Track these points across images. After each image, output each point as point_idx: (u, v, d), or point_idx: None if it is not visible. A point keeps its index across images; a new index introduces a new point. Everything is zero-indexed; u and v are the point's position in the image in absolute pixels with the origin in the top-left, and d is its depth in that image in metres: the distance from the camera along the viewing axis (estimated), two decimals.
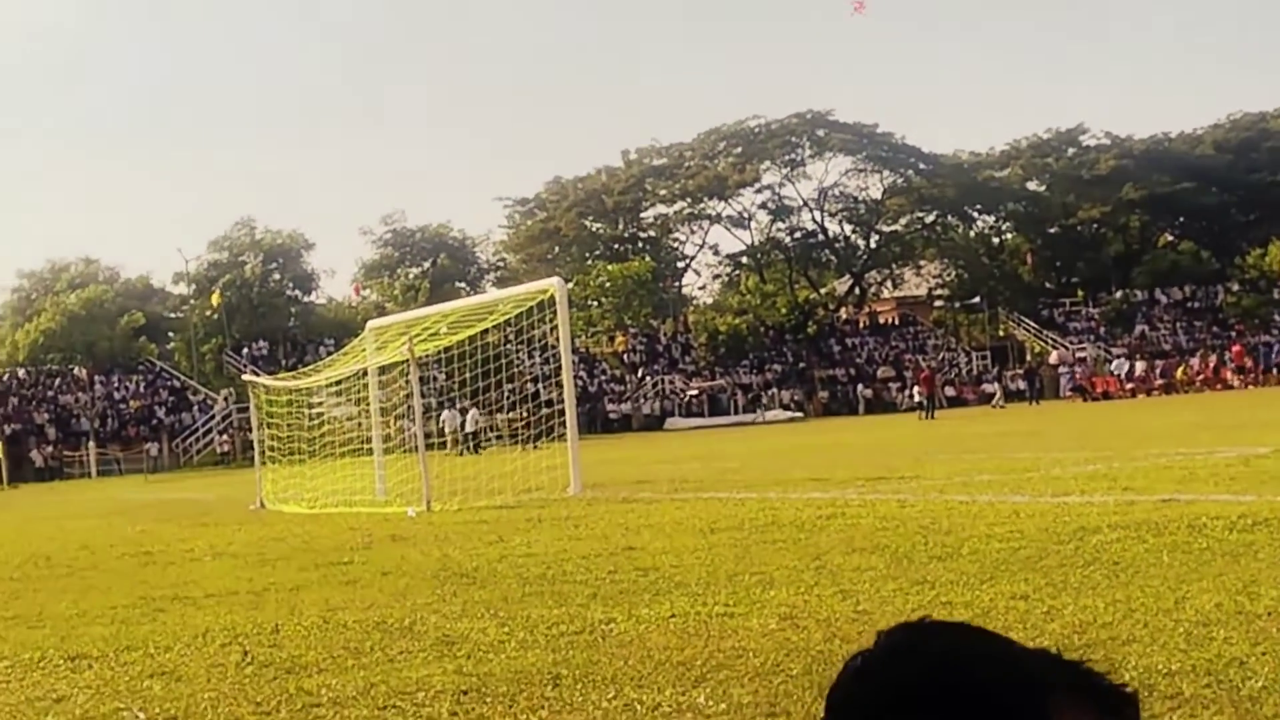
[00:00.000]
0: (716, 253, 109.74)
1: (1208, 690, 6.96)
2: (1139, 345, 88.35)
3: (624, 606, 11.10)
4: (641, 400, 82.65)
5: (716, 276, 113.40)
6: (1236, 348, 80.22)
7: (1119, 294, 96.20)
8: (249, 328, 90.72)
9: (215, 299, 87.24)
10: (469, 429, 40.04)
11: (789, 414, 79.15)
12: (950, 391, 78.90)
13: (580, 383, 74.83)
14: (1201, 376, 75.26)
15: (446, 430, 47.01)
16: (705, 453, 40.41)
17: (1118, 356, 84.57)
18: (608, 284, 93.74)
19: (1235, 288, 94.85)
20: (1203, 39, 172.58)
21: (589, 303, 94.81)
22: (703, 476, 28.49)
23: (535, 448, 32.32)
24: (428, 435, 31.58)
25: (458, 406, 46.55)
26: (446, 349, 31.11)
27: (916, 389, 68.72)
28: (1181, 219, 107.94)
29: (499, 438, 37.33)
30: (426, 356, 31.37)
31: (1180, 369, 77.15)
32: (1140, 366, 79.71)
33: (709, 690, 7.84)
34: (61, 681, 9.58)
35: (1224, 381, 74.21)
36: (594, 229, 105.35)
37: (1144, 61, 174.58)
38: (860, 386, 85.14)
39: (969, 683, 1.59)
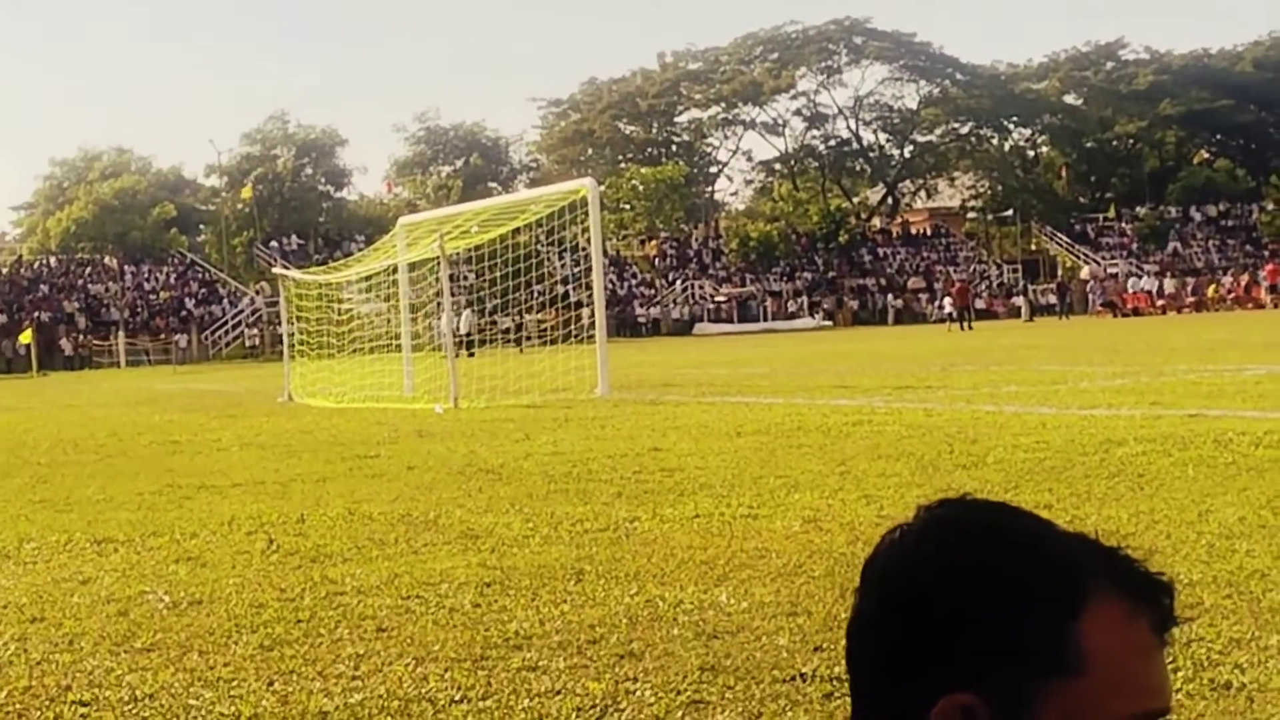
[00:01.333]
0: (750, 159, 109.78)
1: (1228, 601, 6.97)
2: (1171, 262, 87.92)
3: (649, 506, 11.15)
4: (671, 305, 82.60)
5: (749, 183, 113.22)
6: (1270, 266, 79.71)
7: (1153, 210, 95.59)
8: (280, 222, 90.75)
9: (247, 192, 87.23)
10: (463, 330, 39.74)
11: (818, 322, 79.06)
12: (980, 304, 78.60)
13: (610, 285, 74.79)
14: (1233, 295, 74.84)
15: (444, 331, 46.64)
16: (733, 358, 40.42)
17: (1148, 273, 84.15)
18: (640, 187, 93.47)
19: (1270, 206, 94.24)
20: None
21: (621, 206, 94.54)
22: (730, 381, 28.51)
23: (520, 351, 32.43)
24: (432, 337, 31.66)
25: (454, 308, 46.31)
26: (477, 247, 31.09)
27: (948, 300, 68.67)
28: (1218, 136, 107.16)
29: (528, 338, 37.30)
30: (457, 254, 31.38)
31: (1212, 286, 76.73)
32: (1170, 284, 79.31)
33: (731, 589, 7.87)
34: (88, 564, 9.67)
35: (1255, 300, 73.80)
36: (627, 132, 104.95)
37: None
38: (890, 296, 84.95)
39: (1009, 559, 1.58)
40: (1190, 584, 7.34)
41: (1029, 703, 1.54)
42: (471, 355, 34.16)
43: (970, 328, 61.14)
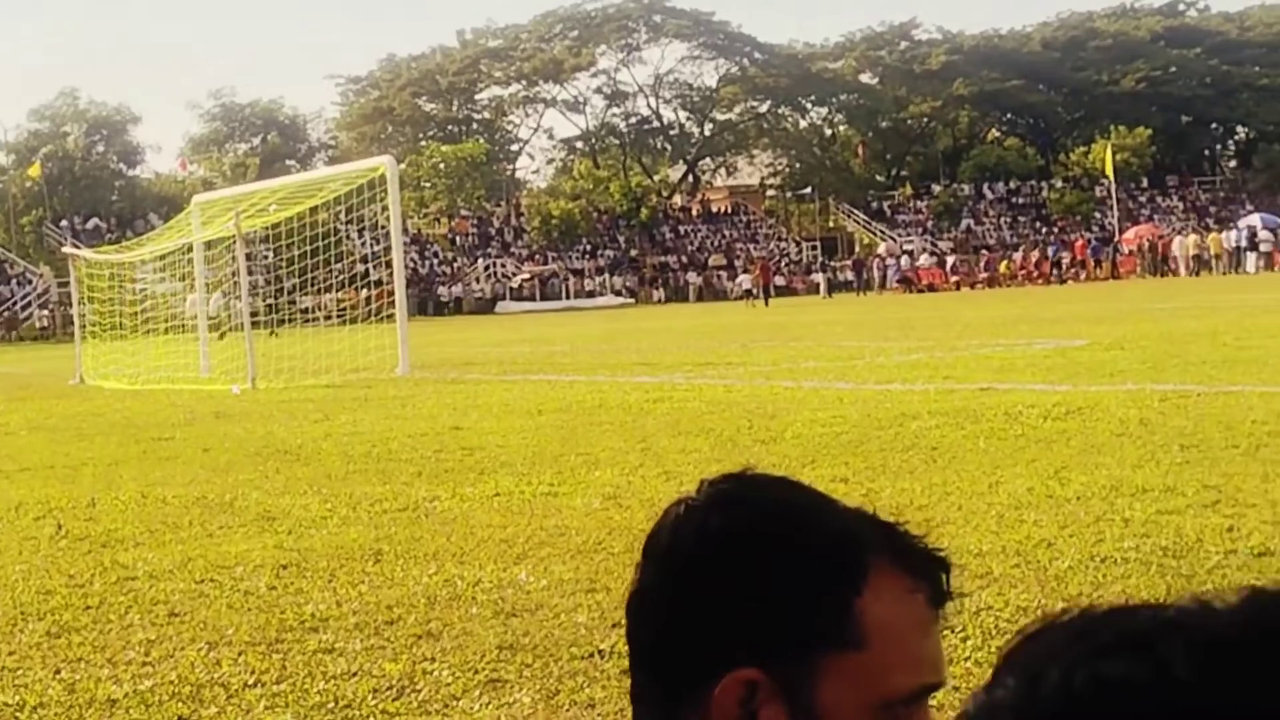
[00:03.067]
0: (551, 137, 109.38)
1: (1016, 570, 7.13)
2: (965, 239, 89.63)
3: (448, 485, 11.10)
4: (473, 283, 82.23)
5: (550, 161, 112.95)
6: (1079, 243, 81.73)
7: (947, 188, 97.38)
8: (71, 200, 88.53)
9: (35, 170, 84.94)
10: (212, 313, 38.75)
11: (620, 299, 79.27)
12: (780, 281, 79.36)
13: (411, 264, 74.19)
14: (1024, 271, 76.51)
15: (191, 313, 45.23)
16: (535, 336, 40.40)
17: (942, 250, 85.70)
18: (441, 165, 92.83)
19: (1059, 184, 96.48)
20: None
21: (421, 184, 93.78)
22: (532, 359, 28.49)
23: (274, 334, 32.09)
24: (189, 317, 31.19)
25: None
26: (274, 226, 30.66)
27: (747, 277, 69.36)
28: (1009, 115, 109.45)
29: (327, 317, 36.86)
30: (253, 233, 30.90)
31: (1004, 263, 78.36)
32: (964, 260, 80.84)
33: (530, 566, 7.87)
34: None
35: (1045, 276, 75.53)
36: (428, 109, 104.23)
37: None
38: (691, 274, 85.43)
39: (792, 534, 1.59)
40: (980, 554, 7.49)
41: (811, 677, 1.54)
42: (222, 338, 33.39)
43: (767, 304, 62.12)
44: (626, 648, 1.70)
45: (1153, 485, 9.15)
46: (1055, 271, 75.96)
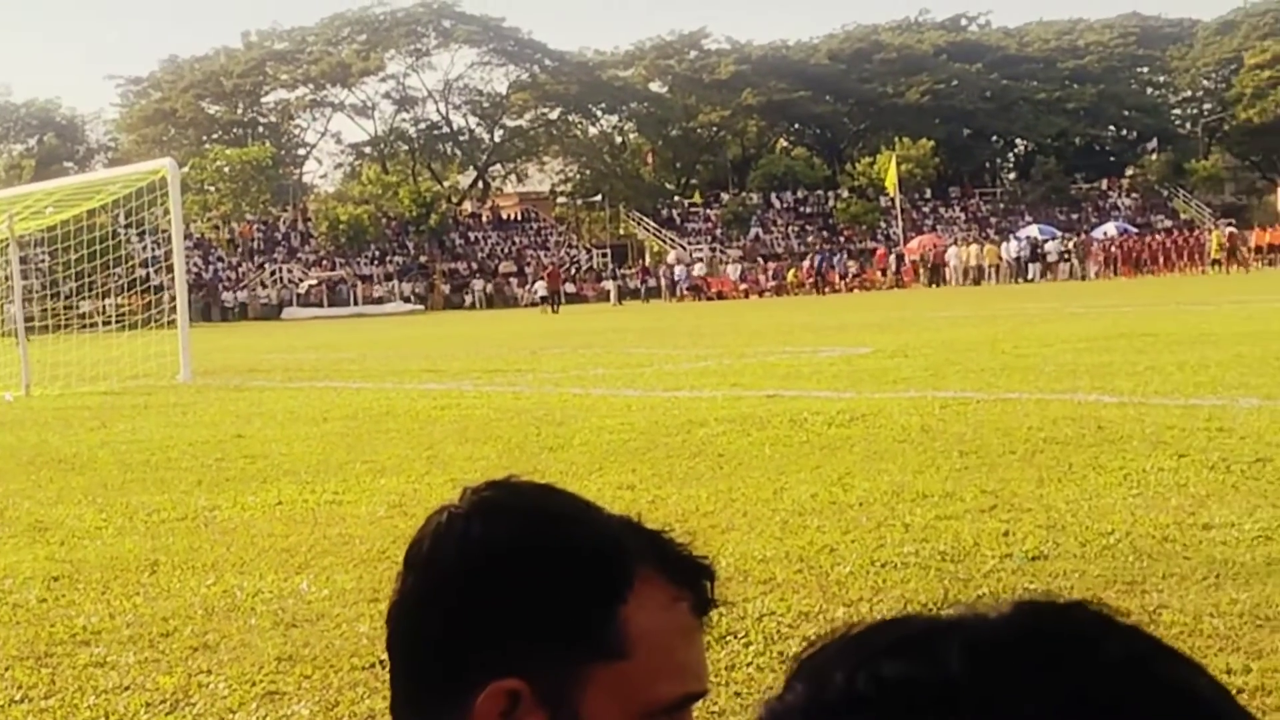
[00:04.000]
0: (339, 141, 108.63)
1: (799, 575, 7.18)
2: (753, 247, 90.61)
3: (229, 493, 10.90)
4: (258, 289, 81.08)
5: (338, 165, 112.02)
6: (880, 251, 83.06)
7: (736, 196, 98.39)
8: None
9: None
10: None
11: (409, 306, 78.76)
12: (570, 288, 79.54)
13: (194, 269, 73.05)
14: (811, 279, 77.56)
15: None
16: (322, 342, 39.94)
17: (731, 258, 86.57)
18: (225, 169, 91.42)
19: (845, 194, 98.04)
20: None
21: (205, 187, 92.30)
22: (319, 366, 28.14)
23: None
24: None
25: None
26: (51, 229, 29.91)
27: (541, 284, 69.54)
28: (797, 125, 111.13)
29: (106, 323, 36.06)
30: (28, 236, 30.10)
31: (791, 271, 79.36)
32: (752, 268, 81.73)
33: (312, 576, 7.75)
34: None
35: (831, 284, 76.65)
36: (212, 112, 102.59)
37: None
38: (481, 280, 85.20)
39: (555, 542, 1.56)
40: (763, 560, 7.54)
41: (575, 686, 1.52)
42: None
43: (557, 311, 62.31)
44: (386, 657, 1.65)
45: (933, 491, 9.29)
46: (841, 280, 77.18)
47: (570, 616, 1.53)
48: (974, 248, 78.53)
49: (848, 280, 77.59)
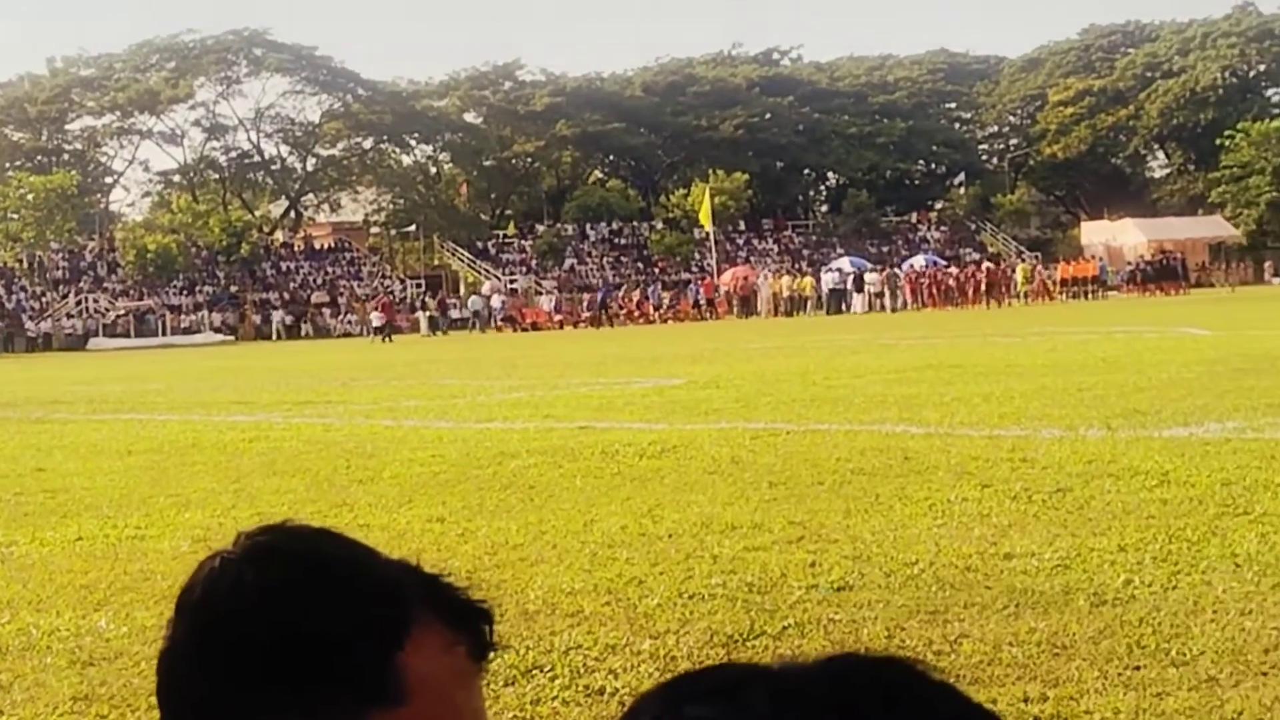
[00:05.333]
0: (147, 169, 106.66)
1: (607, 608, 7.17)
2: (568, 278, 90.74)
3: (28, 529, 10.64)
4: (63, 319, 79.37)
5: (146, 194, 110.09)
6: (707, 282, 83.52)
7: (551, 227, 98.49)
8: None
9: None
10: None
11: (220, 337, 77.64)
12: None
13: None
14: (625, 310, 77.88)
15: None
16: (129, 373, 39.18)
17: (546, 289, 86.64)
18: (29, 196, 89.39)
19: (659, 226, 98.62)
20: None
21: (9, 215, 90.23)
22: (124, 397, 27.58)
23: None
24: None
25: None
26: None
27: (376, 314, 69.89)
28: (611, 157, 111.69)
29: None
30: None
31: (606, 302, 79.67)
32: (567, 299, 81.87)
33: (111, 614, 7.58)
34: None
35: (646, 315, 77.03)
36: (15, 139, 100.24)
37: (580, 2, 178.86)
38: (294, 311, 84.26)
39: (332, 587, 1.53)
40: (572, 592, 7.52)
41: None
42: None
43: (379, 340, 62.99)
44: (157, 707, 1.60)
45: (741, 522, 9.34)
46: (656, 311, 77.58)
47: (346, 663, 1.50)
48: (786, 279, 79.44)
49: (661, 311, 78.03)
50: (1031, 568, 7.51)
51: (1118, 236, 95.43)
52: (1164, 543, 7.93)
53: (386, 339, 64.68)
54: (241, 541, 1.59)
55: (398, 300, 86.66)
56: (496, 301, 78.97)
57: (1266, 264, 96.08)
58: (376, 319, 69.01)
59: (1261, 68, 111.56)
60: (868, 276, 77.48)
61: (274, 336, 78.53)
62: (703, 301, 79.66)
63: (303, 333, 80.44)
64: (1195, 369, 20.42)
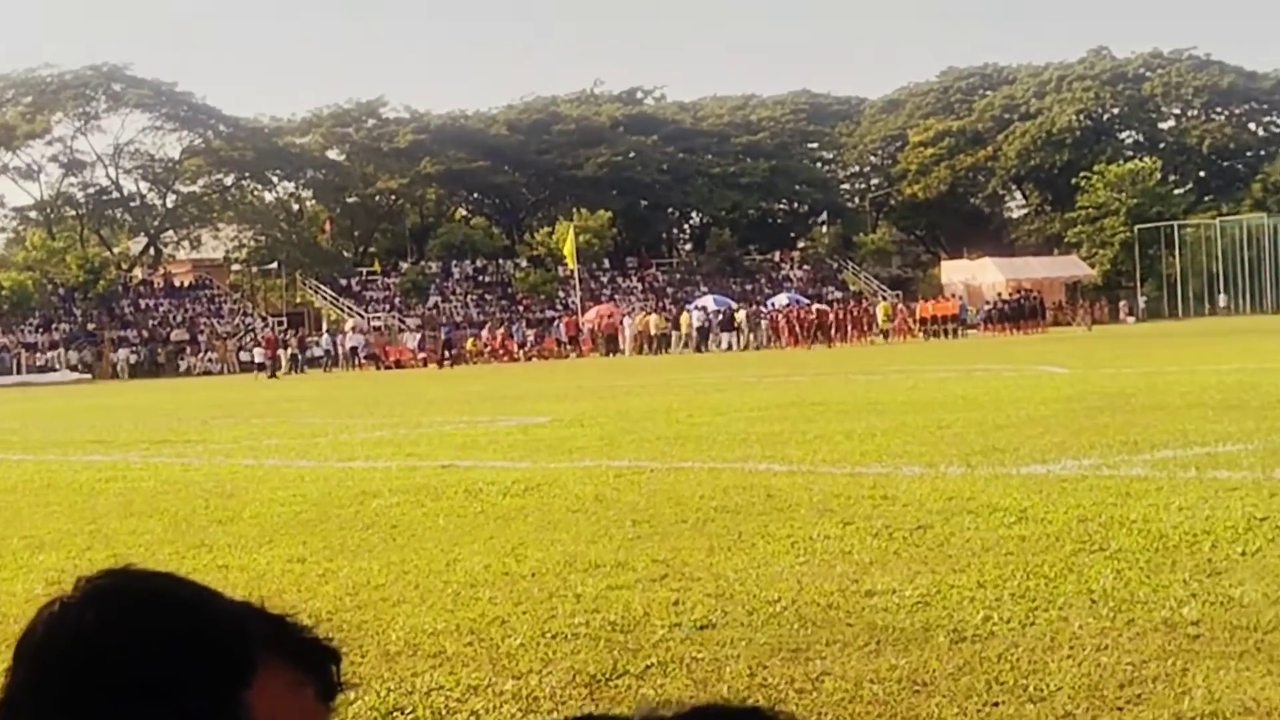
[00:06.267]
0: (2, 205, 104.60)
1: (469, 648, 7.11)
2: (432, 316, 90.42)
3: None
4: None
5: (1, 230, 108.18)
6: (569, 319, 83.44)
7: (415, 265, 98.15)
8: None
9: None
10: None
11: (76, 375, 76.39)
12: (245, 356, 78.34)
13: None
14: (489, 348, 77.70)
15: None
16: None
17: (410, 327, 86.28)
18: None
19: (524, 264, 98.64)
20: (499, 25, 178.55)
21: None
22: None
23: None
24: None
25: None
26: None
27: (259, 350, 69.94)
28: (476, 195, 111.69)
29: None
30: None
31: (470, 340, 79.40)
32: (430, 336, 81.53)
33: None
34: None
35: (510, 353, 76.92)
36: None
37: (444, 40, 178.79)
38: (153, 348, 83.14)
39: (176, 629, 1.50)
40: (434, 633, 7.46)
41: None
42: None
43: (275, 376, 64.67)
44: None
45: (605, 560, 9.32)
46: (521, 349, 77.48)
47: (191, 705, 1.47)
48: (652, 317, 79.71)
49: (526, 349, 77.93)
50: (892, 605, 7.55)
51: (977, 275, 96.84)
52: (1022, 579, 8.01)
53: (271, 375, 65.20)
54: (82, 585, 1.56)
55: (259, 337, 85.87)
56: (359, 339, 78.46)
57: (1121, 303, 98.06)
58: (260, 355, 69.46)
59: (1115, 111, 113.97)
60: (739, 314, 77.91)
61: (132, 375, 77.40)
62: (565, 340, 79.62)
63: (162, 371, 79.35)
64: (1052, 407, 20.71)
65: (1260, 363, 30.77)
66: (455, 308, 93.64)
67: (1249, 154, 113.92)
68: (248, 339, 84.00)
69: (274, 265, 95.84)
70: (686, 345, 75.99)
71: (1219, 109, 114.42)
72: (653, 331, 77.04)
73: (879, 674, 6.21)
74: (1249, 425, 16.15)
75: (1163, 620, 6.83)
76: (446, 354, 74.27)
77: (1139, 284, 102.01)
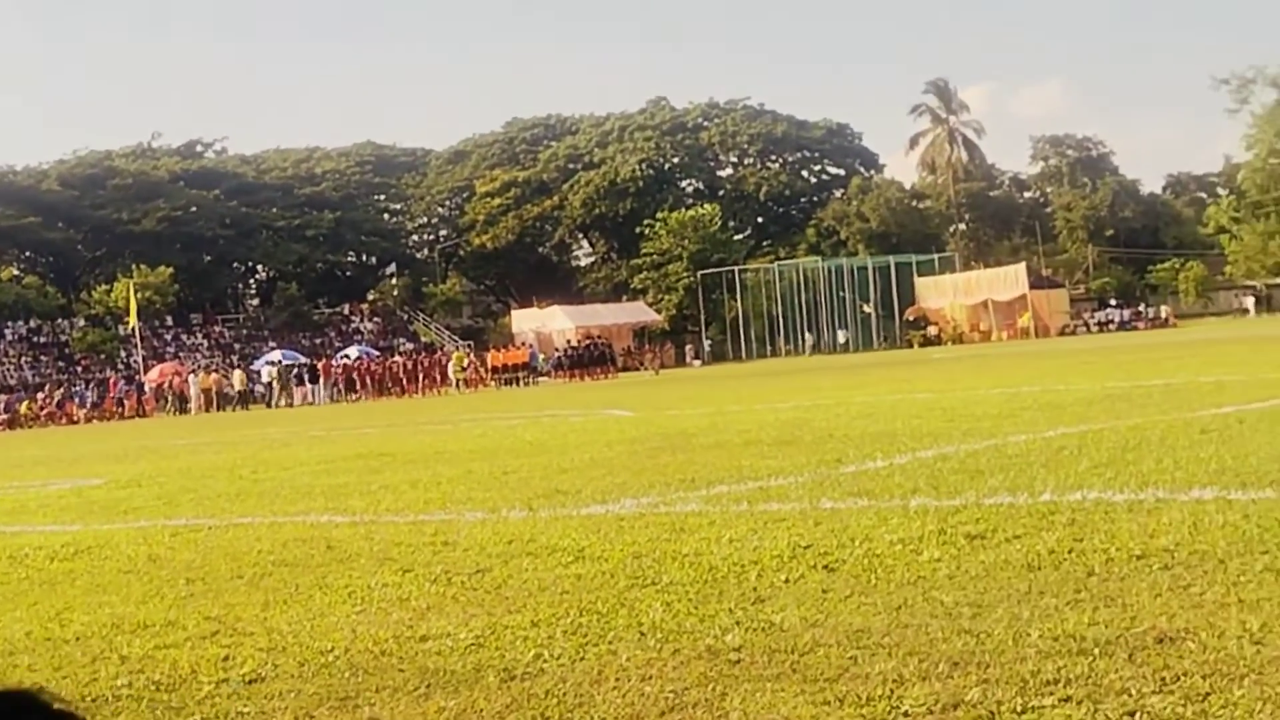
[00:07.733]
0: None
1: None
2: None
3: None
4: None
5: None
6: (114, 381, 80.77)
7: None
8: None
9: None
10: None
11: None
12: None
13: None
14: (46, 411, 74.85)
15: None
16: None
17: None
18: None
19: (82, 323, 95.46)
20: (51, 79, 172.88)
21: None
22: None
23: None
24: None
25: None
26: None
27: None
28: (28, 253, 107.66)
29: None
30: None
31: (25, 403, 76.34)
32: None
33: None
34: None
35: (69, 416, 74.27)
36: None
37: None
38: None
39: None
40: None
41: None
42: None
43: None
44: None
45: (155, 620, 9.03)
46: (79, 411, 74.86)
47: None
48: (217, 375, 78.14)
49: (86, 411, 75.30)
50: (445, 648, 7.52)
51: (547, 323, 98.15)
52: (575, 616, 8.08)
53: None
54: None
55: None
56: None
57: (688, 346, 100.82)
58: None
59: (676, 159, 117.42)
60: (301, 369, 77.10)
61: None
62: (126, 400, 77.21)
63: None
64: (616, 448, 21.05)
65: (814, 399, 31.96)
66: (8, 370, 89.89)
67: (803, 200, 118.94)
68: None
69: None
70: (254, 402, 74.72)
71: (774, 157, 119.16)
72: (218, 389, 75.50)
73: (426, 716, 6.17)
74: (800, 459, 16.71)
75: (706, 648, 6.98)
76: (13, 416, 71.46)
77: (704, 328, 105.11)
